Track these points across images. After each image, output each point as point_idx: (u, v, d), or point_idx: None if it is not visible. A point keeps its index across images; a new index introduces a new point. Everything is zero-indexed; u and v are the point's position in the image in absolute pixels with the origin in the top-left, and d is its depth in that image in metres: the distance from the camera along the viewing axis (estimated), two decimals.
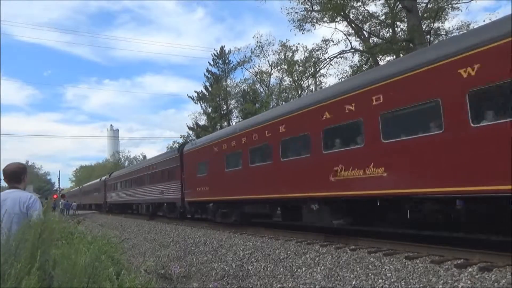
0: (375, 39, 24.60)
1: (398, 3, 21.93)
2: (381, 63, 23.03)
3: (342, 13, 22.93)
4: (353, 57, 26.77)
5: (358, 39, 25.39)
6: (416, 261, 6.37)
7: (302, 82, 31.96)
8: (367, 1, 23.59)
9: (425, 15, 21.65)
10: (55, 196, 43.34)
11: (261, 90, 39.35)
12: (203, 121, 41.41)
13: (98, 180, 41.55)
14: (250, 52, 36.44)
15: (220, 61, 40.72)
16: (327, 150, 8.91)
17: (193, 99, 41.86)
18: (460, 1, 22.06)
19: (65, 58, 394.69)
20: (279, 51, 34.14)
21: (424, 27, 21.28)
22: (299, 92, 31.96)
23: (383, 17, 24.74)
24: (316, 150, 9.15)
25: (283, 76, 34.85)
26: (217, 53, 40.78)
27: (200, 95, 41.38)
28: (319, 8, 23.92)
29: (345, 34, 25.32)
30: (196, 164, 16.04)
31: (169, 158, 19.71)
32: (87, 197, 47.02)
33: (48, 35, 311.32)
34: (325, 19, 24.48)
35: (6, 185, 3.67)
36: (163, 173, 20.05)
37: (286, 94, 35.22)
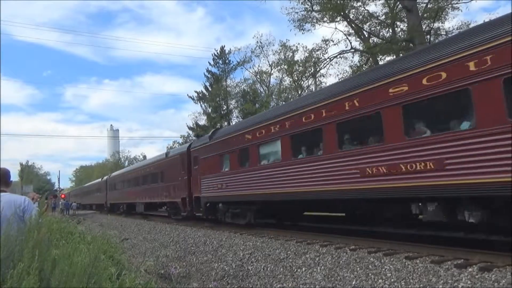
0: (375, 39, 24.62)
1: (398, 3, 21.94)
2: (381, 63, 23.04)
3: (342, 13, 22.97)
4: (353, 57, 26.88)
5: (358, 39, 25.46)
6: (416, 261, 6.36)
7: (302, 82, 32.04)
8: (367, 1, 23.65)
9: (425, 15, 21.67)
10: (62, 195, 43.91)
11: (261, 90, 39.47)
12: (203, 121, 41.50)
13: (161, 156, 21.72)
14: (250, 52, 36.66)
15: (220, 61, 40.81)
16: None
17: (193, 99, 41.95)
18: (460, 1, 22.12)
19: (65, 58, 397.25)
20: (279, 51, 34.28)
21: (424, 27, 21.29)
22: (299, 92, 31.99)
23: (383, 17, 24.77)
24: None
25: (283, 76, 34.98)
26: (217, 53, 40.86)
27: (200, 95, 41.44)
28: (319, 8, 23.95)
29: (345, 34, 25.40)
30: None
31: None
32: (121, 192, 28.83)
33: (48, 35, 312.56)
34: (325, 19, 24.56)
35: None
36: None
37: (286, 94, 35.29)
